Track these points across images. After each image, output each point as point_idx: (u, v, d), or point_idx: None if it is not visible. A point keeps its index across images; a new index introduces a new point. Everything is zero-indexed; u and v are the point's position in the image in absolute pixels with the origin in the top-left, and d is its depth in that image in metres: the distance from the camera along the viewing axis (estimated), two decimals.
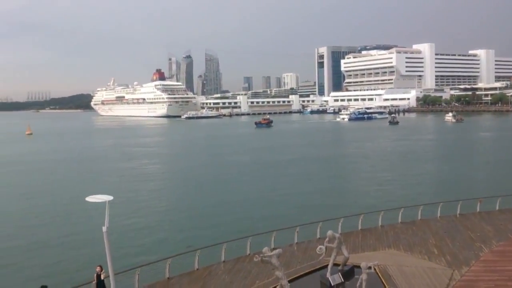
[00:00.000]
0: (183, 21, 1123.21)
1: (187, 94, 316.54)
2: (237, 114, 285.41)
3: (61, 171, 68.06)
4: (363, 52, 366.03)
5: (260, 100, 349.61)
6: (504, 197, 29.34)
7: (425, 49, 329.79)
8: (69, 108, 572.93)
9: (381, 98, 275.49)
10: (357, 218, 25.95)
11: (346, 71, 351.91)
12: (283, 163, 71.47)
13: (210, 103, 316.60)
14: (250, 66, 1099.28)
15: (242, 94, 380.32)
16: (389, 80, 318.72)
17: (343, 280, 17.35)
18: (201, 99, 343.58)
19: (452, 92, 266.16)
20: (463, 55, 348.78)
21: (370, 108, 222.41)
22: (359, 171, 63.96)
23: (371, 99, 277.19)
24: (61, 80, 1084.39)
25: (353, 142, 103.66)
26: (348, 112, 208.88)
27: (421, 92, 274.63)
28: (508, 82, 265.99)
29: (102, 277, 16.80)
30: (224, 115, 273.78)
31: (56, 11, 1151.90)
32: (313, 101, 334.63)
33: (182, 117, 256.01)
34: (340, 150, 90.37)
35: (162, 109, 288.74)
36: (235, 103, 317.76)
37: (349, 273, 18.06)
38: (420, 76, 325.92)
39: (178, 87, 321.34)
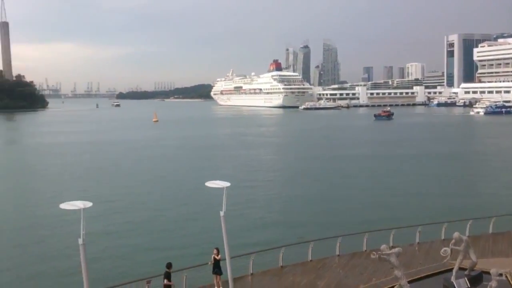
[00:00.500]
0: (301, 10, 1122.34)
1: (303, 85, 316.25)
2: (355, 106, 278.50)
3: (183, 157, 72.48)
4: (500, 40, 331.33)
5: (381, 91, 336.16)
6: None
7: None
8: (191, 97, 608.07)
9: None
10: (488, 221, 23.85)
11: (480, 60, 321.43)
12: (404, 158, 67.68)
13: (327, 94, 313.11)
14: (371, 55, 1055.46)
15: (361, 85, 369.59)
16: None
17: (469, 286, 16.02)
18: (318, 90, 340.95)
19: None
20: None
21: (509, 101, 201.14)
22: (493, 171, 57.99)
23: (508, 92, 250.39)
24: (184, 71, 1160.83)
25: (489, 139, 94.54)
26: (484, 106, 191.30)
27: None
28: None
29: (218, 259, 17.61)
30: (342, 107, 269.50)
31: (179, 5, 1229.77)
32: (440, 92, 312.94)
33: (299, 107, 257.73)
34: (473, 146, 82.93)
35: (278, 100, 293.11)
36: (353, 94, 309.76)
37: (477, 279, 16.51)
38: None
39: (294, 77, 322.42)
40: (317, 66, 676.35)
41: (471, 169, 60.04)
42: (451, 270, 16.69)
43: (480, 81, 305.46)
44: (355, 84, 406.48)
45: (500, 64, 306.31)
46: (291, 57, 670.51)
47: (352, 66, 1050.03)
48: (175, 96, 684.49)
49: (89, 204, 11.51)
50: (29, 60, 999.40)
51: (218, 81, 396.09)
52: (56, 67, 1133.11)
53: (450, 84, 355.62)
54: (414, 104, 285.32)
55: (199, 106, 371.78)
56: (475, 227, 23.15)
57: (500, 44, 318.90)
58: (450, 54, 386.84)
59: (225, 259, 15.66)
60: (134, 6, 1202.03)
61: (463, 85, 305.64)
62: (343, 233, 23.06)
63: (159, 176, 54.57)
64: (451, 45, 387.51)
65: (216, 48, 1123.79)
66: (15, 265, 27.14)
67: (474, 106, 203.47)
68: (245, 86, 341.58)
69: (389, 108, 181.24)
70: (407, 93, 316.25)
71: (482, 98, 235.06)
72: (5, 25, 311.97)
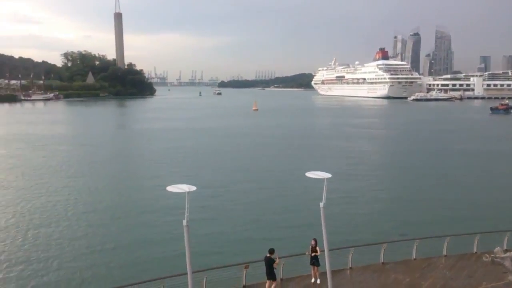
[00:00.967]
0: None
1: (411, 75, 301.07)
2: (469, 98, 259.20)
3: (282, 146, 72.77)
4: None
5: (499, 82, 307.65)
6: None
7: None
8: (291, 86, 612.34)
9: None
10: None
11: None
12: None
13: (437, 85, 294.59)
14: (489, 44, 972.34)
15: (476, 76, 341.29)
16: None
17: None
18: (427, 80, 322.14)
19: None
20: None
21: None
22: None
23: None
24: (284, 60, 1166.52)
25: None
26: None
27: None
28: None
29: (317, 252, 17.60)
30: (456, 98, 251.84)
31: None
32: None
33: (408, 98, 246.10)
34: None
35: (382, 90, 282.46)
36: (467, 85, 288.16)
37: None
38: None
39: (402, 66, 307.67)
40: (428, 55, 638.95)
41: None
42: None
43: None
44: (469, 74, 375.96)
45: None
46: (399, 45, 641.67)
47: (467, 55, 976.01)
48: (275, 85, 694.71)
49: (193, 188, 12.01)
50: (139, 50, 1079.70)
51: (319, 70, 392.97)
52: (163, 56, 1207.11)
53: None
54: None
55: (299, 95, 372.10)
56: None
57: None
58: None
59: (323, 251, 15.49)
60: None
61: None
62: (451, 232, 21.85)
63: (258, 165, 55.54)
64: None
65: (318, 37, 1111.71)
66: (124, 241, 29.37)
67: None
68: (347, 76, 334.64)
69: (507, 101, 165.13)
70: None
71: None
72: (119, 16, 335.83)
